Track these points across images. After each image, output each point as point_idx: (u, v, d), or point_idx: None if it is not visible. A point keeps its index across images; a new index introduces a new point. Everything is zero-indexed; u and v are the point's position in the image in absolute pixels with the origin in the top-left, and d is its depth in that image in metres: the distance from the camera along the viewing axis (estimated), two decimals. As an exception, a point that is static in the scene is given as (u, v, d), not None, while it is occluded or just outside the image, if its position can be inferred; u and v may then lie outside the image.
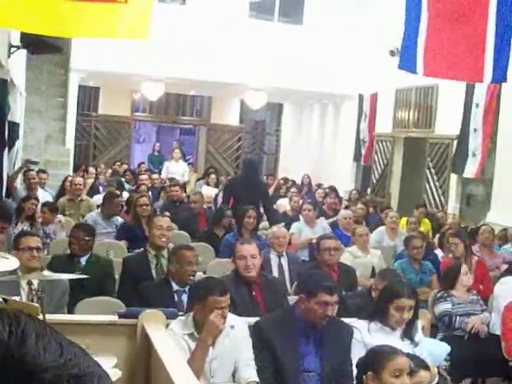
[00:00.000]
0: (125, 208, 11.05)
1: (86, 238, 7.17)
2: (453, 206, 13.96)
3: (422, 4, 6.79)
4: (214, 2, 17.90)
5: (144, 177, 15.27)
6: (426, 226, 11.91)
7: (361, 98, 18.50)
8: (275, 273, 7.86)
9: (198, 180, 18.37)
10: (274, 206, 13.60)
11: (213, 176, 17.00)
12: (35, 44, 9.44)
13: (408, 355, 4.26)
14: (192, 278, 6.18)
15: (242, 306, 5.75)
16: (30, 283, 5.82)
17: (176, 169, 18.73)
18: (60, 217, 9.90)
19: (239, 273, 6.20)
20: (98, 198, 11.68)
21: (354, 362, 4.84)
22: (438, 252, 9.68)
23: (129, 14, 5.77)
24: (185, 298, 6.12)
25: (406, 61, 7.01)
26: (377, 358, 4.09)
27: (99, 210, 10.31)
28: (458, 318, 7.09)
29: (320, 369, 4.93)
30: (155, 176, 16.57)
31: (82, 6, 5.62)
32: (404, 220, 12.11)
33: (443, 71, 7.12)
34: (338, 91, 19.05)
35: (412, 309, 5.13)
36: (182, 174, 18.50)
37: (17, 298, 4.93)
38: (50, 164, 15.13)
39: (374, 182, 17.75)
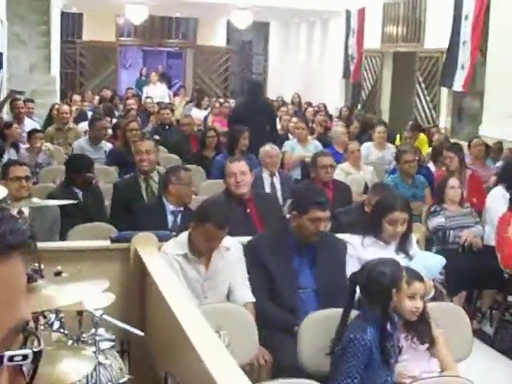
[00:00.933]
0: (112, 133, 10.93)
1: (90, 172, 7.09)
2: (444, 120, 13.88)
3: None
4: None
5: (131, 101, 15.17)
6: (422, 140, 11.83)
7: (348, 13, 18.23)
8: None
9: (187, 103, 18.26)
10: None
11: (206, 99, 16.94)
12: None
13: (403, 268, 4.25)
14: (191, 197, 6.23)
15: (237, 224, 5.71)
16: (20, 212, 5.77)
17: (154, 92, 18.62)
18: (48, 145, 9.78)
19: (231, 191, 6.18)
20: (85, 125, 11.55)
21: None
22: (431, 166, 9.64)
23: None
24: (179, 218, 6.10)
25: None
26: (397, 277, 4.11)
27: (86, 136, 10.19)
28: (451, 231, 7.10)
29: (315, 285, 4.93)
30: (148, 100, 16.47)
31: None
32: (398, 136, 12.07)
33: None
34: (324, 7, 18.76)
35: (406, 222, 5.10)
36: (161, 96, 18.36)
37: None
38: (36, 93, 14.93)
39: (364, 98, 17.63)
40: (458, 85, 12.76)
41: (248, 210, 6.15)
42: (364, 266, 4.19)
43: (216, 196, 6.22)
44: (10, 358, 1.08)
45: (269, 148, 8.43)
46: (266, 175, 8.13)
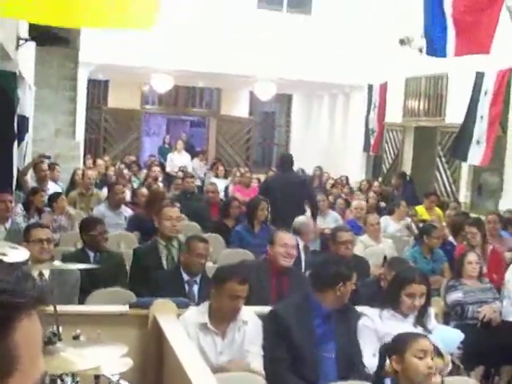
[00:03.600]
0: (131, 200, 11.05)
1: (101, 233, 7.15)
2: (464, 195, 13.90)
3: None
4: (222, -7, 17.87)
5: (157, 168, 15.32)
6: (437, 213, 11.87)
7: (370, 87, 18.42)
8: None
9: (207, 171, 18.44)
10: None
11: (221, 168, 17.04)
12: (43, 36, 9.43)
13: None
14: (200, 269, 6.19)
15: (266, 294, 5.76)
16: (41, 274, 5.80)
17: (180, 160, 18.77)
18: (70, 209, 9.87)
19: (272, 261, 6.25)
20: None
21: (369, 351, 4.87)
22: (452, 240, 9.65)
23: (135, 3, 5.75)
24: (195, 288, 6.13)
25: (433, 47, 7.03)
26: (400, 341, 4.12)
27: (106, 202, 10.27)
28: (470, 307, 7.06)
29: (336, 352, 4.93)
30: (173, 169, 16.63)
31: (88, -4, 5.61)
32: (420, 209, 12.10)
33: (469, 47, 7.16)
34: (347, 81, 19.01)
35: (424, 295, 5.10)
36: (186, 164, 18.51)
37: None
38: (60, 158, 15.10)
39: (385, 171, 17.69)
40: (474, 159, 12.76)
41: (281, 283, 6.21)
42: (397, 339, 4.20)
43: (255, 262, 6.29)
44: None
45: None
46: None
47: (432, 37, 7.03)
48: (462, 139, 13.18)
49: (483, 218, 10.29)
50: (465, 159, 13.09)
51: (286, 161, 11.56)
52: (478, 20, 7.01)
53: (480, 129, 12.67)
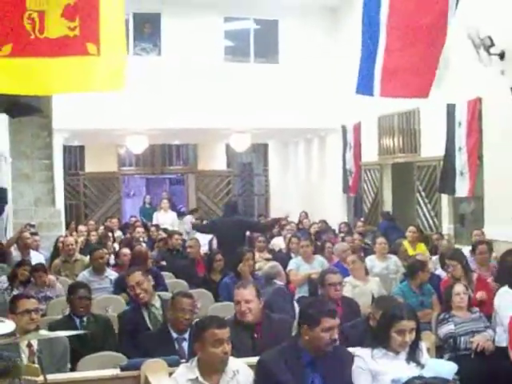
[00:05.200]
0: (114, 262, 11.02)
1: (85, 296, 7.13)
2: (447, 227, 13.95)
3: (381, 26, 6.86)
4: (188, 50, 18.03)
5: (140, 229, 15.33)
6: (420, 248, 11.91)
7: (344, 129, 18.55)
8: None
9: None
10: (269, 246, 13.70)
11: (204, 222, 17.03)
12: (14, 107, 9.46)
13: (418, 378, 4.23)
14: (186, 325, 6.14)
15: (242, 349, 5.67)
16: (29, 345, 5.77)
17: (165, 219, 18.74)
18: (51, 277, 9.77)
19: (238, 317, 6.14)
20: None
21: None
22: (441, 273, 9.67)
23: (103, 66, 5.82)
24: (185, 345, 6.10)
25: (363, 85, 7.10)
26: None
27: (90, 267, 10.22)
28: (462, 338, 7.09)
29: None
30: (153, 228, 16.59)
31: (55, 61, 5.68)
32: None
33: (397, 90, 7.22)
34: (320, 125, 19.14)
35: (413, 330, 5.10)
36: (171, 223, 18.50)
37: (16, 361, 4.88)
38: (42, 226, 15.10)
39: (366, 211, 17.73)
40: (462, 191, 12.83)
41: (256, 336, 6.05)
42: None
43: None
44: None
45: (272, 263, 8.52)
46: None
47: (361, 75, 7.11)
48: (446, 173, 13.25)
49: (468, 247, 10.39)
50: (453, 193, 13.12)
51: (228, 206, 13.42)
52: (410, 64, 7.07)
53: (461, 160, 12.76)
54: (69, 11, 5.80)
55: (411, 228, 12.50)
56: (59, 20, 5.77)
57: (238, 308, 6.08)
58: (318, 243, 12.44)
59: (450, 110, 13.04)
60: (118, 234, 15.53)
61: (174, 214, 19.55)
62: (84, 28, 5.82)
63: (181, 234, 13.89)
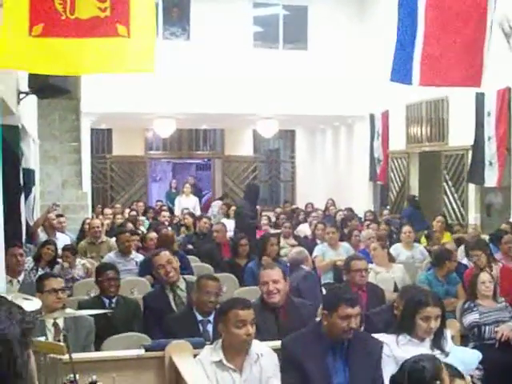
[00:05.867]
0: (140, 245, 11.06)
1: (113, 277, 7.17)
2: (473, 217, 13.88)
3: (418, 13, 6.78)
4: (217, 35, 18.05)
5: (166, 213, 15.41)
6: (447, 237, 11.87)
7: (372, 117, 18.50)
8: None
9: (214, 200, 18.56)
10: (295, 232, 13.74)
11: (233, 208, 17.02)
12: (43, 89, 9.49)
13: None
14: (211, 308, 6.16)
15: (267, 332, 5.68)
16: (55, 324, 5.82)
17: (187, 203, 18.81)
18: (83, 261, 9.86)
19: (264, 299, 6.14)
20: (117, 239, 11.68)
21: (386, 377, 4.81)
22: (466, 262, 9.62)
23: (133, 47, 5.82)
24: (210, 327, 6.10)
25: (399, 72, 6.98)
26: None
27: (116, 249, 10.28)
28: (487, 327, 7.06)
29: (350, 383, 4.88)
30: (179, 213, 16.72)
31: (86, 42, 5.69)
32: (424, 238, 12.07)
33: (440, 78, 7.11)
34: (348, 113, 19.11)
35: (439, 318, 5.08)
36: (193, 207, 18.56)
37: (42, 339, 4.93)
38: (68, 208, 15.21)
39: (393, 199, 17.68)
40: (491, 181, 12.77)
41: (280, 319, 6.06)
42: (402, 366, 4.12)
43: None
44: None
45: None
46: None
47: (396, 63, 6.98)
48: (475, 163, 13.20)
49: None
50: (482, 182, 13.08)
51: (248, 191, 13.92)
52: (454, 53, 6.96)
53: (490, 150, 12.71)
54: (99, -8, 5.82)
55: (439, 218, 12.46)
56: (90, 1, 5.78)
57: (265, 288, 6.07)
58: (344, 230, 12.43)
59: (479, 99, 12.96)
60: (142, 218, 15.58)
61: (195, 199, 19.62)
62: (115, 9, 5.82)
63: (209, 218, 13.92)
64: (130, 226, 12.95)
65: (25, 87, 9.77)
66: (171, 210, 18.60)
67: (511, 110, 12.33)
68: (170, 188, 22.96)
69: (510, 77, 12.18)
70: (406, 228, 11.26)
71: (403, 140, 17.05)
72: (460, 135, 14.19)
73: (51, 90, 9.56)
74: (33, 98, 12.00)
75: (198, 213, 17.76)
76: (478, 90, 12.53)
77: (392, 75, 7.05)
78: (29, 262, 9.26)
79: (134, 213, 15.83)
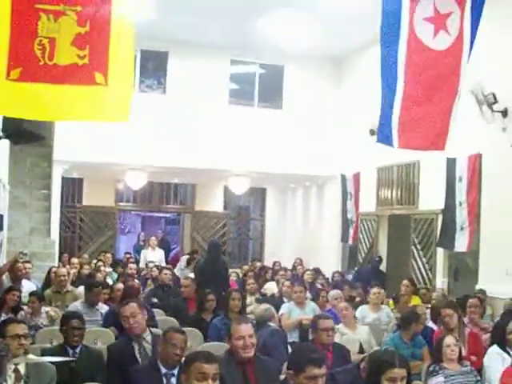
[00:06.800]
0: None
1: (78, 327, 7.09)
2: (441, 281, 13.93)
3: (398, 77, 6.92)
4: (193, 90, 18.20)
5: (133, 265, 15.31)
6: (415, 301, 11.89)
7: (343, 178, 18.61)
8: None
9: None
10: (262, 290, 13.75)
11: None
12: (17, 134, 9.48)
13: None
14: (176, 361, 6.08)
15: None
16: (16, 370, 5.72)
17: (153, 256, 18.76)
18: (48, 309, 9.77)
19: (234, 353, 6.04)
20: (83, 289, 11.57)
21: None
22: (432, 325, 9.62)
23: (110, 96, 5.86)
24: (174, 380, 6.02)
25: (383, 134, 7.11)
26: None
27: (82, 299, 10.19)
28: (452, 390, 7.03)
29: None
30: (151, 264, 16.60)
31: (63, 88, 5.72)
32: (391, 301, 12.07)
33: (414, 141, 7.24)
34: (319, 173, 19.23)
35: (404, 379, 5.04)
36: (160, 260, 18.50)
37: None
38: (35, 256, 15.06)
39: (361, 261, 17.71)
40: (461, 246, 12.85)
41: (247, 374, 5.96)
42: None
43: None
44: None
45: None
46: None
47: (381, 124, 7.13)
48: (446, 227, 13.29)
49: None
50: (452, 247, 13.15)
51: (213, 246, 13.54)
52: (426, 115, 7.12)
53: (461, 215, 12.83)
54: (79, 40, 5.86)
55: (405, 282, 12.50)
56: (69, 48, 5.83)
57: (241, 343, 5.98)
58: (309, 292, 12.46)
59: (451, 164, 13.11)
60: (108, 270, 15.46)
61: (161, 252, 19.57)
62: (93, 57, 5.87)
63: (170, 270, 13.86)
64: (99, 277, 12.86)
65: (-2, 131, 9.76)
66: (138, 262, 18.50)
67: (481, 175, 12.47)
68: (138, 241, 22.88)
69: (481, 143, 12.35)
70: (375, 289, 11.25)
71: (373, 202, 17.15)
72: (430, 199, 14.32)
73: (25, 135, 9.55)
74: (5, 143, 11.96)
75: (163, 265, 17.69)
76: (449, 155, 12.71)
77: (378, 136, 7.18)
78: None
79: (100, 263, 15.69)
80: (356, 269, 16.98)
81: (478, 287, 12.03)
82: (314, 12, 15.60)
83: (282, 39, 17.56)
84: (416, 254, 14.83)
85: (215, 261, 12.76)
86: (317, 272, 16.16)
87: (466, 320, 9.29)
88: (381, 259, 16.32)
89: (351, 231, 18.36)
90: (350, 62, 18.72)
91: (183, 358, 5.49)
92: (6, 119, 9.13)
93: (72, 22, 5.85)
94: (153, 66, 19.39)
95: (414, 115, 7.06)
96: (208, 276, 12.10)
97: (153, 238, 20.04)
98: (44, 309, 9.62)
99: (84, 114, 6.06)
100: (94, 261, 17.07)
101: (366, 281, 13.70)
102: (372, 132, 14.46)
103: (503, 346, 7.37)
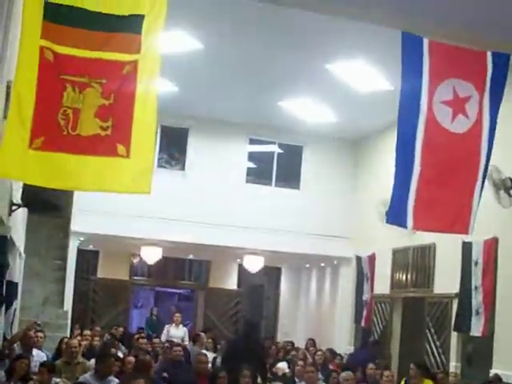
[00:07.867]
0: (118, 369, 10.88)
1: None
2: (454, 365, 13.76)
3: (415, 157, 6.97)
4: (211, 168, 18.40)
5: (144, 340, 15.18)
6: (429, 384, 11.72)
7: (359, 259, 18.56)
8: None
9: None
10: (274, 369, 13.61)
11: (209, 340, 16.83)
12: (36, 202, 9.57)
13: None
14: None
15: None
16: None
17: (176, 333, 18.58)
18: (58, 380, 9.70)
19: None
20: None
21: None
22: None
23: (131, 168, 5.92)
24: None
25: (395, 215, 7.10)
26: None
27: (93, 371, 10.10)
28: None
29: None
30: (156, 340, 16.42)
31: (84, 159, 5.80)
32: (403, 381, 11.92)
33: (432, 223, 7.23)
34: (334, 253, 19.21)
35: None
36: (182, 337, 18.32)
37: None
38: (47, 326, 15.02)
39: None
40: (476, 330, 12.74)
41: None
42: None
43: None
44: None
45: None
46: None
47: (393, 206, 7.10)
48: (462, 311, 13.20)
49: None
50: (468, 331, 13.03)
51: (250, 326, 13.28)
52: (443, 197, 7.13)
53: (477, 299, 12.75)
54: (103, 111, 5.95)
55: (411, 365, 12.33)
56: (92, 119, 5.92)
57: None
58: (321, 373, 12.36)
59: (466, 247, 13.09)
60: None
61: (184, 329, 19.37)
62: (116, 129, 5.96)
63: (179, 345, 13.71)
64: (113, 350, 12.79)
65: (17, 199, 9.85)
66: (150, 337, 18.34)
67: (497, 260, 12.43)
68: (151, 315, 22.77)
69: (497, 227, 12.35)
70: (388, 372, 11.18)
71: (388, 284, 17.07)
72: (445, 283, 14.25)
73: (43, 205, 9.64)
74: (23, 212, 12.07)
75: (186, 343, 17.52)
76: (465, 239, 12.70)
77: (389, 217, 7.16)
78: (0, 375, 9.10)
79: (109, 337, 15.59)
80: (349, 353, 16.82)
81: (492, 371, 11.86)
82: (332, 98, 16.05)
83: (300, 121, 17.82)
84: (430, 338, 14.68)
85: (251, 343, 12.48)
86: (332, 353, 16.03)
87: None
88: (377, 342, 16.21)
89: (364, 313, 18.24)
90: (367, 145, 18.91)
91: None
92: (25, 188, 9.23)
93: (97, 93, 5.95)
94: (173, 142, 19.59)
95: (430, 196, 7.07)
96: (239, 356, 11.69)
97: (177, 314, 19.84)
98: (54, 380, 9.54)
99: (105, 185, 6.11)
100: (107, 335, 17.01)
101: (361, 363, 13.52)
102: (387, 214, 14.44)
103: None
